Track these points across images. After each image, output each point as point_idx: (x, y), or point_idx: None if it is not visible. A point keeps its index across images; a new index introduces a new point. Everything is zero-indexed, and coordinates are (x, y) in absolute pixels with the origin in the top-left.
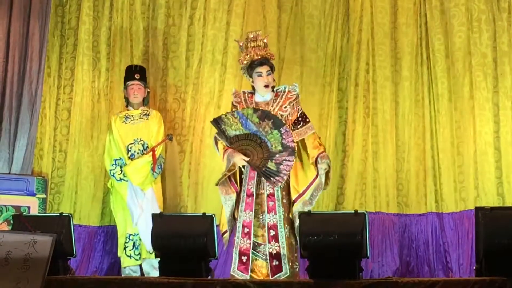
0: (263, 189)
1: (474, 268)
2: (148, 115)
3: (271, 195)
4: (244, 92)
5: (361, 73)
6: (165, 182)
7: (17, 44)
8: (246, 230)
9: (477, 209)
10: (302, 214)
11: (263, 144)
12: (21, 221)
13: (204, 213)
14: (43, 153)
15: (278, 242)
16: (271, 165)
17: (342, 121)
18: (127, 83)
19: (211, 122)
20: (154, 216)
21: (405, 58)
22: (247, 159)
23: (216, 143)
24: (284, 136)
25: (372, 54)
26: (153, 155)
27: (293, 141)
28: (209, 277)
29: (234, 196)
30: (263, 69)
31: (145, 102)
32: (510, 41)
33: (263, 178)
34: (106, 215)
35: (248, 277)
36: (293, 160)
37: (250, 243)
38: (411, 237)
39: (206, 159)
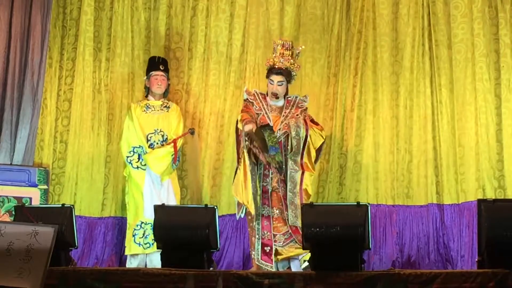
0: (275, 188)
1: (476, 260)
2: (169, 107)
3: (284, 195)
4: (256, 92)
5: (362, 63)
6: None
7: (19, 35)
8: (265, 223)
9: (480, 201)
10: (304, 206)
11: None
12: (23, 212)
13: (206, 205)
14: (44, 144)
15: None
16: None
17: (345, 111)
18: (151, 73)
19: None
20: (156, 207)
21: (407, 49)
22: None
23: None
24: None
25: (373, 44)
26: (175, 147)
27: None
28: (211, 268)
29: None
30: (275, 78)
31: (165, 94)
32: None
33: (277, 176)
34: (107, 207)
35: (273, 267)
36: None
37: (270, 235)
38: (412, 228)
39: (212, 150)
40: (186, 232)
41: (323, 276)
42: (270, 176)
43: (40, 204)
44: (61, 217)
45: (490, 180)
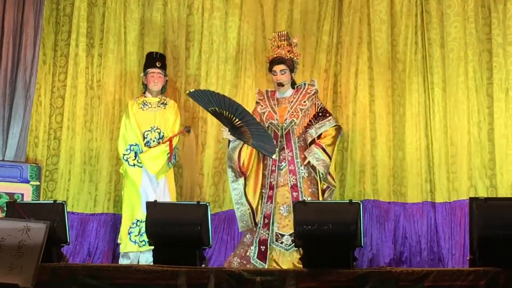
0: (284, 181)
1: (468, 258)
2: (166, 104)
3: (294, 186)
4: (266, 91)
5: (356, 60)
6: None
7: (11, 31)
8: (266, 221)
9: (472, 199)
10: (297, 203)
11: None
12: (14, 208)
13: (198, 201)
14: (38, 140)
15: None
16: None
17: (337, 106)
18: (148, 70)
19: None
20: (148, 204)
21: (399, 47)
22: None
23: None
24: None
25: (368, 40)
26: (170, 145)
27: None
28: (203, 265)
29: (241, 180)
30: (277, 68)
31: (163, 90)
32: (505, 33)
33: (283, 172)
34: (99, 203)
35: (266, 266)
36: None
37: (268, 234)
38: (404, 226)
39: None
40: (178, 229)
41: (315, 274)
42: (277, 171)
43: (32, 200)
44: (53, 213)
45: (482, 179)
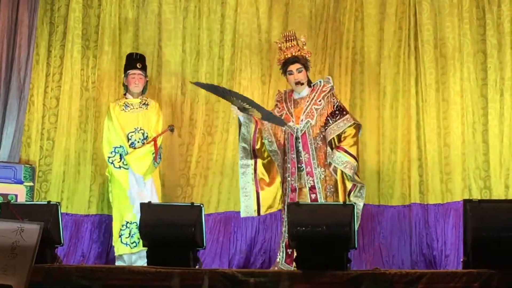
0: (304, 183)
1: (462, 260)
2: (147, 104)
3: (312, 188)
4: (285, 91)
5: (352, 62)
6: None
7: (6, 31)
8: None
9: (465, 201)
10: (290, 205)
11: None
12: (8, 209)
13: (192, 203)
14: (30, 140)
15: None
16: None
17: None
18: (128, 71)
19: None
20: (142, 205)
21: (393, 48)
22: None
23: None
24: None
25: (361, 45)
26: (155, 145)
27: None
28: (197, 266)
29: (252, 162)
30: (294, 67)
31: (144, 91)
32: (500, 34)
33: (303, 173)
34: (93, 204)
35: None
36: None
37: None
38: (395, 228)
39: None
40: (172, 230)
41: (309, 275)
42: (297, 173)
43: (26, 201)
44: (47, 214)
45: (476, 181)
